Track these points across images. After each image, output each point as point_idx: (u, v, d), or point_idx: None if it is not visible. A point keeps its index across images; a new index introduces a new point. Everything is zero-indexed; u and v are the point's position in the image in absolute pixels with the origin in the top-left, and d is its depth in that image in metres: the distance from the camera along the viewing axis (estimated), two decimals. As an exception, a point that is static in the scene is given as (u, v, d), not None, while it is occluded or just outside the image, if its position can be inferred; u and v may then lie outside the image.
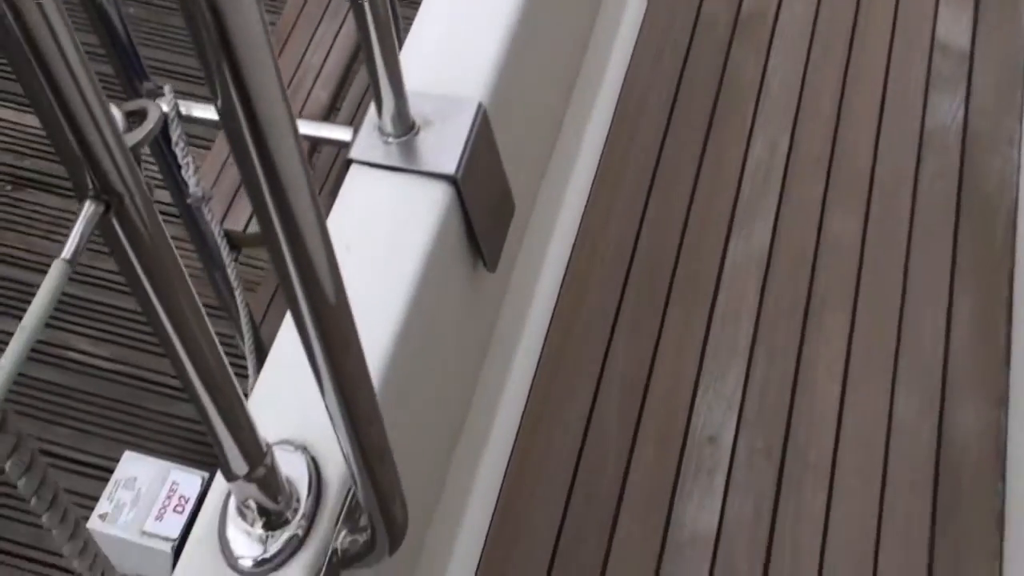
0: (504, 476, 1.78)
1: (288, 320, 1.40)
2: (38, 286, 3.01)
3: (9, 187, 3.34)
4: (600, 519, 1.76)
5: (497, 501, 1.75)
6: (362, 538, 1.24)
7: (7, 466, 0.89)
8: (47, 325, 3.04)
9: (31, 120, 3.45)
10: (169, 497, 2.57)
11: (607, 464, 1.81)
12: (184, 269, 0.90)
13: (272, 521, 1.20)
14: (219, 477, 1.25)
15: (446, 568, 1.69)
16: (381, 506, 1.18)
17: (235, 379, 1.02)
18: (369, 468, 1.13)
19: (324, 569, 1.23)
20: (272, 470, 1.14)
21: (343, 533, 1.26)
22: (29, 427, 2.81)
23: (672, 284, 1.99)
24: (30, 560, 2.69)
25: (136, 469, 2.55)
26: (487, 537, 1.73)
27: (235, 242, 1.75)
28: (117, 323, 3.06)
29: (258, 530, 1.20)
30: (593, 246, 1.99)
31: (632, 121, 2.15)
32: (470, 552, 1.71)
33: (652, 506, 1.78)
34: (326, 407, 1.06)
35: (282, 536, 1.21)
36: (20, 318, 2.88)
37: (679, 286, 1.99)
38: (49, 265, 2.92)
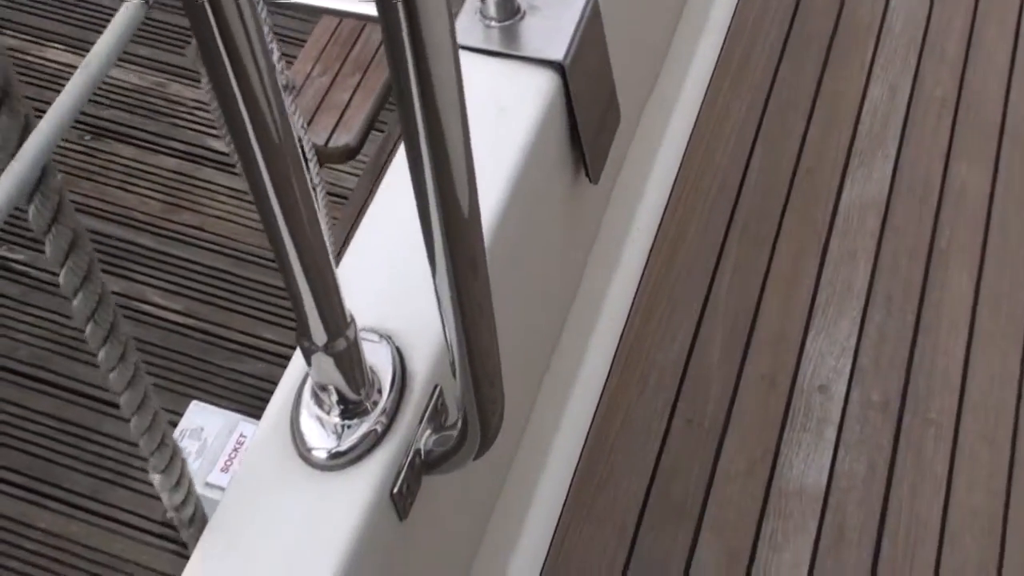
0: (600, 397, 1.64)
1: (373, 213, 1.28)
2: (115, 237, 2.91)
3: (88, 136, 3.28)
4: (701, 453, 1.61)
5: (592, 421, 1.62)
6: (448, 439, 1.11)
7: (62, 280, 0.77)
8: (121, 276, 2.94)
9: (113, 71, 3.41)
10: (236, 449, 2.45)
11: (709, 398, 1.67)
12: (275, 62, 0.78)
13: (350, 410, 1.08)
14: (295, 360, 1.13)
15: (536, 485, 1.56)
16: (480, 407, 1.04)
17: (322, 222, 0.90)
18: (474, 362, 0.99)
19: (404, 469, 1.10)
20: (354, 346, 1.01)
21: (427, 433, 1.13)
22: (96, 376, 2.74)
23: (782, 223, 1.85)
24: (88, 511, 2.61)
25: (203, 419, 2.44)
26: (580, 458, 1.59)
27: (317, 157, 1.64)
28: (191, 277, 2.98)
29: (334, 418, 1.08)
30: (698, 176, 1.85)
31: (742, 52, 2.01)
32: (561, 471, 1.58)
33: (757, 451, 1.63)
34: (435, 288, 0.93)
35: (360, 428, 1.08)
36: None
37: (789, 225, 1.84)
38: (125, 216, 2.81)
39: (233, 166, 3.13)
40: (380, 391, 1.10)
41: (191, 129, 3.31)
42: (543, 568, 1.53)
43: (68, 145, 3.25)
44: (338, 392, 1.06)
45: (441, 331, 1.02)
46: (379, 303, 1.17)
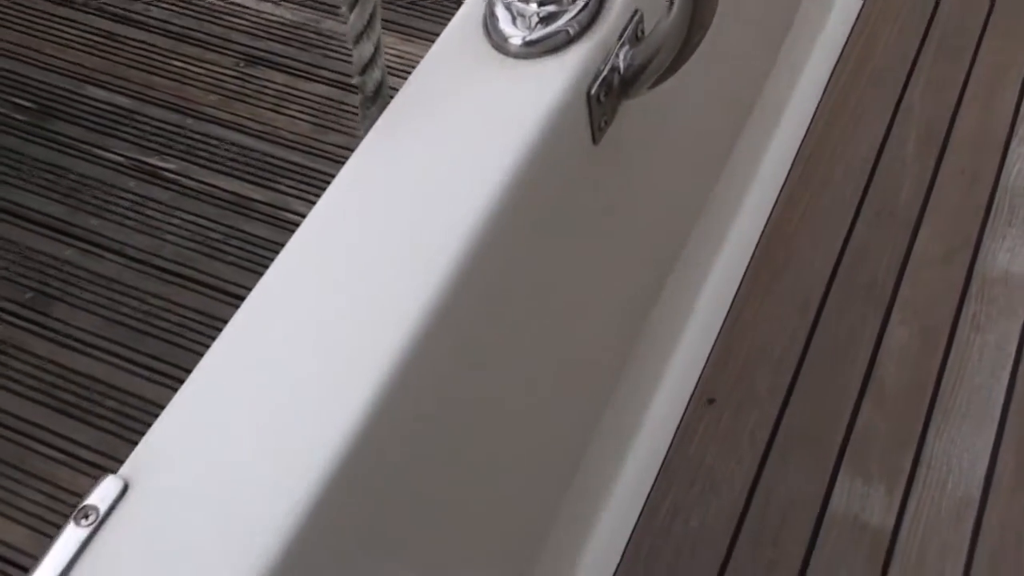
0: (781, 187, 1.54)
1: None
2: (264, 152, 2.87)
3: (242, 63, 3.32)
4: (893, 240, 1.48)
5: (772, 209, 1.51)
6: (651, 47, 1.02)
7: None
8: (268, 188, 2.94)
9: (266, 7, 3.47)
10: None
11: (902, 190, 1.54)
12: None
13: (545, 2, 1.00)
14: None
15: (710, 266, 1.45)
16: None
17: None
18: None
19: (603, 74, 1.01)
20: None
21: (625, 51, 1.04)
22: (243, 277, 2.72)
23: (982, 38, 1.72)
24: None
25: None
26: (757, 243, 1.48)
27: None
28: (335, 191, 2.96)
29: (531, 7, 1.00)
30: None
31: None
32: (738, 253, 1.47)
33: (955, 240, 1.50)
34: None
35: (555, 22, 1.00)
36: (247, 180, 2.76)
37: (990, 41, 1.72)
38: (275, 135, 2.79)
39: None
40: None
41: (342, 60, 3.33)
42: (719, 333, 1.41)
43: (222, 70, 3.29)
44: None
45: None
46: None
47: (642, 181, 1.22)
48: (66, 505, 2.17)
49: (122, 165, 2.97)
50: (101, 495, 0.70)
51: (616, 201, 1.17)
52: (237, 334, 0.83)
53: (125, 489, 0.71)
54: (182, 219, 2.92)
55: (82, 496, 2.26)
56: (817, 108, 1.63)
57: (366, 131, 0.99)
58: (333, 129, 3.14)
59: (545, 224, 1.02)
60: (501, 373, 1.03)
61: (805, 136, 1.60)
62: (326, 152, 3.07)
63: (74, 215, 2.78)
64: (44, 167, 2.89)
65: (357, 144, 0.98)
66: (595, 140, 1.04)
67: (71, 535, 0.69)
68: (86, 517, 0.69)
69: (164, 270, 2.81)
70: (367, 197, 0.93)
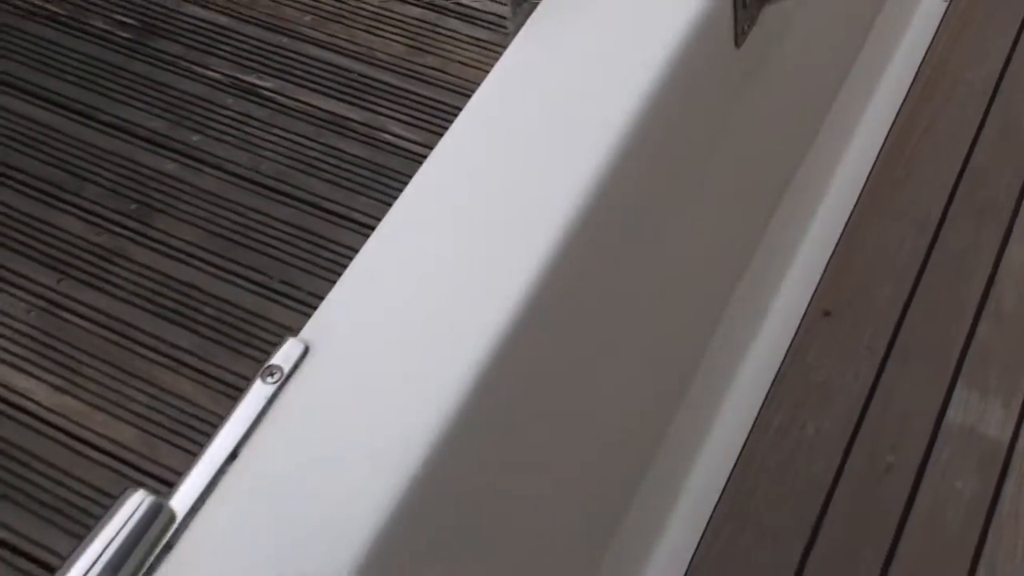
0: (900, 105, 1.53)
1: None
2: (359, 72, 2.89)
3: (338, -16, 3.33)
4: (1015, 159, 1.47)
5: (891, 126, 1.50)
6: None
7: None
8: (364, 108, 2.96)
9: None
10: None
11: (1024, 112, 1.53)
12: None
13: None
14: None
15: (831, 176, 1.45)
16: None
17: None
18: None
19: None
20: None
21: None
22: (338, 193, 2.75)
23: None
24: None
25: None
26: (876, 159, 1.48)
27: None
28: (432, 112, 2.98)
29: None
30: None
31: None
32: (855, 169, 1.47)
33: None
34: None
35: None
36: (343, 99, 2.76)
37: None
38: (370, 56, 2.81)
39: (478, 19, 3.14)
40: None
41: (438, -17, 3.32)
42: (836, 246, 1.41)
43: (319, -10, 3.31)
44: None
45: None
46: None
47: (774, 88, 1.22)
48: (170, 406, 2.23)
49: (221, 82, 3.00)
50: (284, 356, 0.74)
51: (749, 107, 1.18)
52: (405, 210, 0.86)
53: (306, 351, 0.75)
54: (279, 136, 2.96)
55: (185, 398, 2.28)
56: (941, 23, 1.61)
57: (516, 29, 1.00)
58: (428, 51, 3.15)
59: (687, 125, 1.03)
60: (637, 273, 1.04)
61: (928, 51, 1.59)
62: (421, 74, 3.09)
63: (176, 130, 2.83)
64: (147, 83, 2.93)
65: (508, 41, 0.99)
66: (737, 44, 1.05)
67: (258, 391, 0.72)
68: (272, 375, 0.73)
69: (261, 185, 2.86)
70: (518, 94, 0.95)
